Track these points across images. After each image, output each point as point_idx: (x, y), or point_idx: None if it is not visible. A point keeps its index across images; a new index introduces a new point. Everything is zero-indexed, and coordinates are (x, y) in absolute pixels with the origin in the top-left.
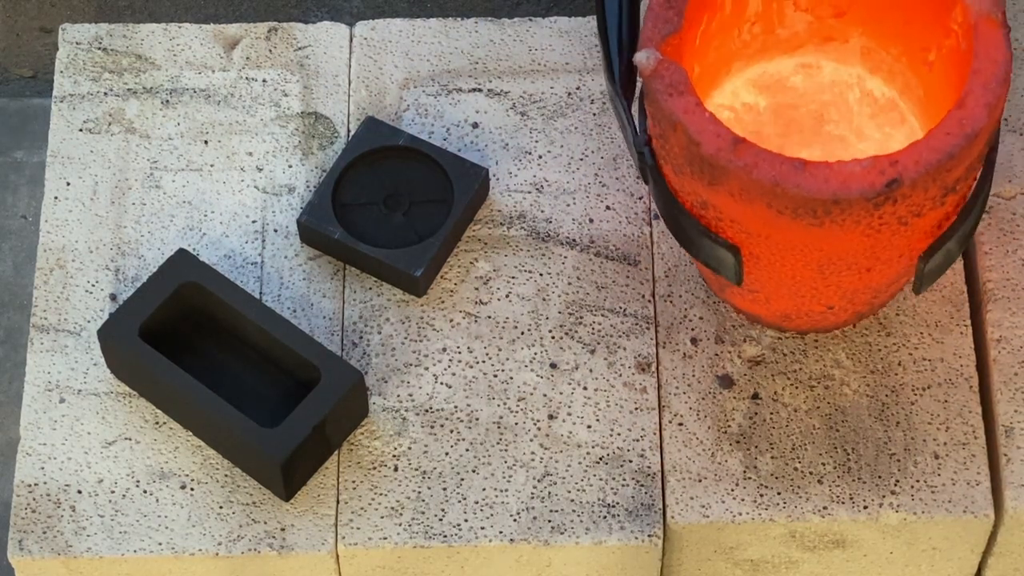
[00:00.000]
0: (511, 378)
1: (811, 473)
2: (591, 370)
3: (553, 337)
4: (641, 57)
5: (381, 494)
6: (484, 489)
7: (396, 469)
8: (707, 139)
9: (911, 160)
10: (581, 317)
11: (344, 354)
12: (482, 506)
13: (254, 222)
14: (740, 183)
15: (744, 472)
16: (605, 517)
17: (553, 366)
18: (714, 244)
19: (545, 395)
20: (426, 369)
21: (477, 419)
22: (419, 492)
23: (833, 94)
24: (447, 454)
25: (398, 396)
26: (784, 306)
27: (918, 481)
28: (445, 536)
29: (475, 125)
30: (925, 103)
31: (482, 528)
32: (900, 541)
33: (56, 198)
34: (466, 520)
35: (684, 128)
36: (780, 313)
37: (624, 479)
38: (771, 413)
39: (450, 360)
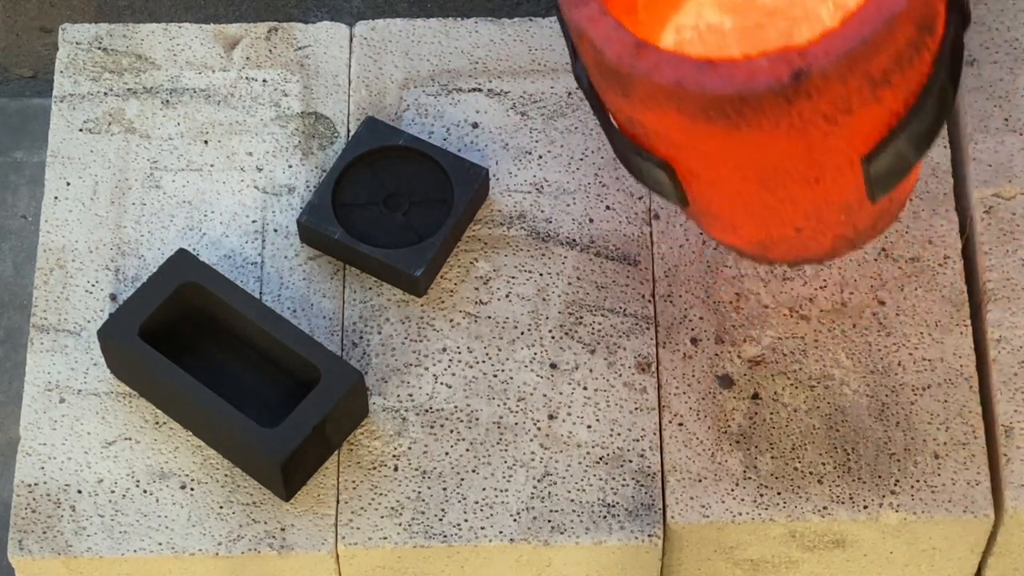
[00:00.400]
0: (511, 378)
1: (811, 473)
2: (591, 370)
3: (553, 337)
4: None
5: (381, 494)
6: (484, 489)
7: (396, 469)
8: (610, 47)
9: (821, 50)
10: (581, 317)
11: (344, 354)
12: (482, 506)
13: (254, 222)
14: (646, 89)
15: (744, 472)
16: (605, 517)
17: (553, 366)
18: (647, 162)
19: (545, 395)
20: (426, 369)
21: (477, 419)
22: (419, 492)
23: (805, 8)
24: (447, 454)
25: (398, 396)
26: (752, 232)
27: (918, 481)
28: (445, 536)
29: (475, 125)
30: None
31: (482, 528)
32: (900, 541)
33: (56, 198)
34: (466, 520)
35: (589, 38)
36: (754, 241)
37: (624, 479)
38: (771, 413)
39: (450, 360)
